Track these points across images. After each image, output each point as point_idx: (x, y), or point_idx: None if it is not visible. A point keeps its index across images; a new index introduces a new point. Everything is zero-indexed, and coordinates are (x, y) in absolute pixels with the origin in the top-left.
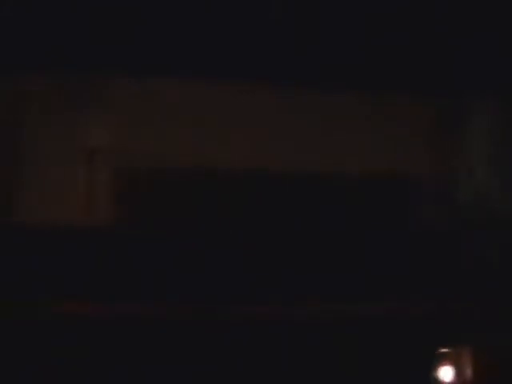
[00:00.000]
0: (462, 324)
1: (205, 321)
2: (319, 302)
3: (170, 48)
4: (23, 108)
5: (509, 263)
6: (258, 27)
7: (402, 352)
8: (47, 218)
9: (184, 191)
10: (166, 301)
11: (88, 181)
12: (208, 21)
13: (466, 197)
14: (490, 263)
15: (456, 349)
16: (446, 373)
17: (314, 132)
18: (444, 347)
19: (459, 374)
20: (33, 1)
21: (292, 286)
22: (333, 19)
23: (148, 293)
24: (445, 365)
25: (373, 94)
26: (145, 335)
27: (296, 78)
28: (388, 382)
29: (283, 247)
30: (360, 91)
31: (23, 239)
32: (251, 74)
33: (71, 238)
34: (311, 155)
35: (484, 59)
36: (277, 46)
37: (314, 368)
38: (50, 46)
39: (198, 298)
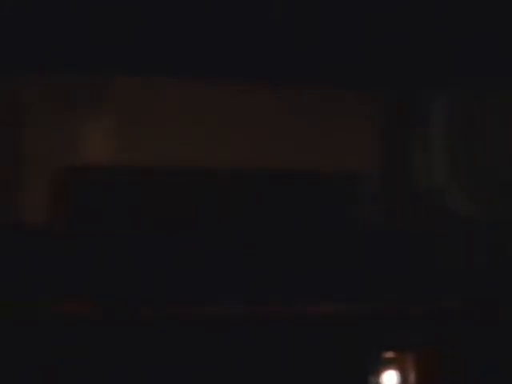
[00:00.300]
0: (407, 327)
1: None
2: (260, 303)
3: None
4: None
5: (466, 263)
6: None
7: (342, 356)
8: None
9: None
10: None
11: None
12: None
13: (421, 195)
14: (445, 264)
15: (400, 353)
16: (389, 378)
17: (266, 128)
18: (388, 351)
19: (403, 379)
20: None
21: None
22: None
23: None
24: (389, 369)
25: (313, 87)
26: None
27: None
28: None
29: (237, 248)
30: (306, 84)
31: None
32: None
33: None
34: (259, 152)
35: (436, 50)
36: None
37: (249, 370)
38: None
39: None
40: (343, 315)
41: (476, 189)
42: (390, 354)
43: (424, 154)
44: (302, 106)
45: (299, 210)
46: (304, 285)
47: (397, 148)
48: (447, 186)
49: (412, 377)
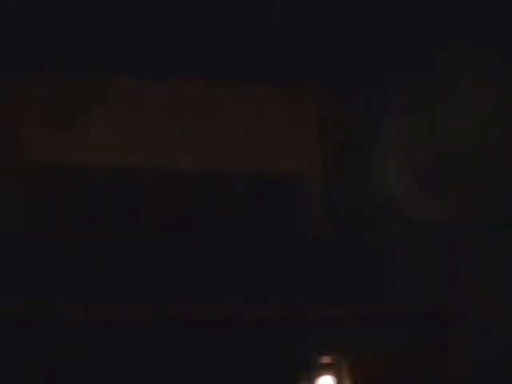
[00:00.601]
0: (342, 332)
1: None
2: (193, 303)
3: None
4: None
5: (414, 268)
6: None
7: (278, 361)
8: None
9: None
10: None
11: None
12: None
13: (367, 197)
14: (384, 269)
15: (336, 358)
16: (325, 383)
17: (208, 128)
18: (323, 356)
19: None
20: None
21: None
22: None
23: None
24: (324, 374)
25: (253, 87)
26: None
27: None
28: None
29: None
30: (246, 84)
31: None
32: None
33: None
34: (188, 152)
35: (381, 50)
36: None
37: (181, 374)
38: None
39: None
40: (279, 319)
41: (423, 192)
42: (325, 360)
43: (369, 157)
44: (244, 106)
45: (241, 211)
46: (243, 286)
47: (340, 150)
48: (393, 187)
49: (347, 382)
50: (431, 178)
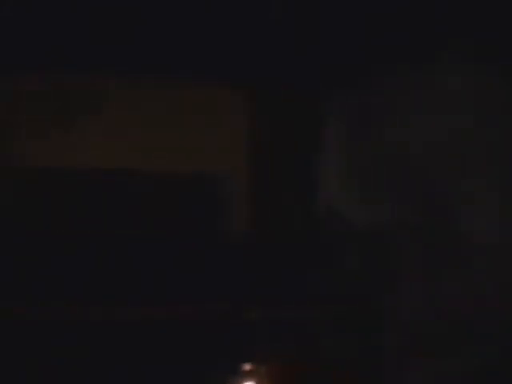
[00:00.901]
0: (266, 339)
1: None
2: (117, 304)
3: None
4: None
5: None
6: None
7: (201, 367)
8: None
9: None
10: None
11: None
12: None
13: (293, 198)
14: (310, 273)
15: (258, 365)
16: None
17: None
18: (248, 363)
19: None
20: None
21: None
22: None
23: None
24: (246, 381)
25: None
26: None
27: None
28: None
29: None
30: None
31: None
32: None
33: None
34: (117, 152)
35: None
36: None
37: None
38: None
39: None
40: (201, 326)
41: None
42: (247, 367)
43: (295, 157)
44: (164, 105)
45: (159, 211)
46: (161, 287)
47: (266, 150)
48: (322, 188)
49: None
50: (360, 180)
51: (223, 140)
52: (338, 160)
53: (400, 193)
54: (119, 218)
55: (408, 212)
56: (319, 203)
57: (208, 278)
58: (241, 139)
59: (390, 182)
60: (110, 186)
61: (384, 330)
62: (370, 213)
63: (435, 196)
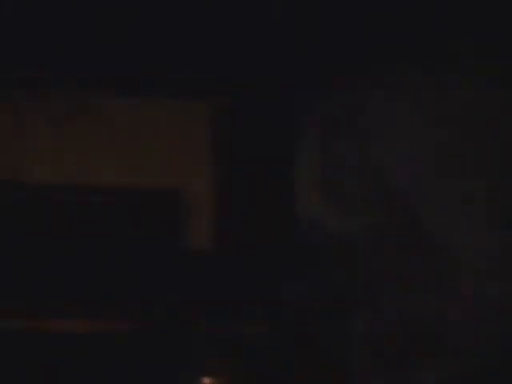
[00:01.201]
0: (219, 353)
1: None
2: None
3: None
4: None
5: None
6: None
7: (156, 380)
8: None
9: None
10: None
11: None
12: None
13: (256, 212)
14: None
15: (215, 379)
16: None
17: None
18: (203, 377)
19: None
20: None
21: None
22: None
23: None
24: None
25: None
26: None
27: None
28: None
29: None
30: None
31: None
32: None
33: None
34: (69, 166)
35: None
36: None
37: None
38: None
39: None
40: (153, 337)
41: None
42: (206, 381)
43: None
44: (124, 117)
45: (117, 225)
46: (119, 300)
47: (226, 162)
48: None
49: None
50: (335, 191)
51: (185, 152)
52: (313, 171)
53: (375, 205)
54: (73, 234)
55: (382, 223)
56: (292, 215)
57: (166, 291)
58: (203, 151)
59: (364, 193)
60: (59, 201)
61: (351, 341)
62: (343, 224)
63: (411, 208)
